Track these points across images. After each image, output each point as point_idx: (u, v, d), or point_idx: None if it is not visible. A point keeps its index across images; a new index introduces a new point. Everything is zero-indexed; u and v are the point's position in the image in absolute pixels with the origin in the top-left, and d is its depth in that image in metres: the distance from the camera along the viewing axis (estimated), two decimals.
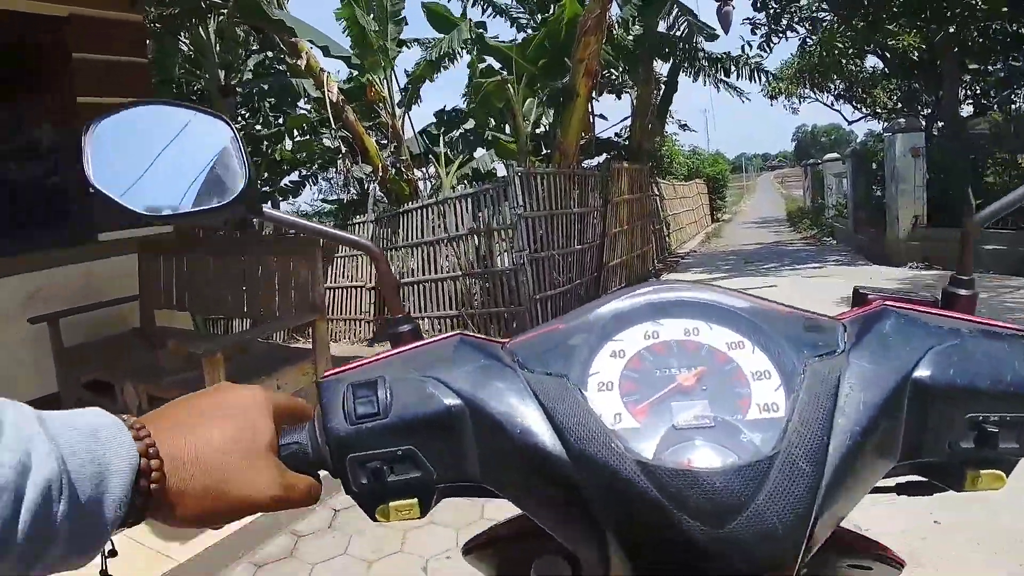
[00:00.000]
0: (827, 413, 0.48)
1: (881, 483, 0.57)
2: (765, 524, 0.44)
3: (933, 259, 10.47)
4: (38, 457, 0.41)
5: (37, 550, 0.41)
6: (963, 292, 0.59)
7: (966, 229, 0.57)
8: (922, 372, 0.50)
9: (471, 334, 0.60)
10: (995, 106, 13.80)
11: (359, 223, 8.69)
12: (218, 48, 11.11)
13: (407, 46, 9.65)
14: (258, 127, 12.08)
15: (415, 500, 0.54)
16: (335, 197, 15.03)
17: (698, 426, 0.48)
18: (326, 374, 0.57)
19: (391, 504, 0.54)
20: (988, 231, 10.22)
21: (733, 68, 12.93)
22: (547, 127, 10.45)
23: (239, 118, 12.44)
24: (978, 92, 13.90)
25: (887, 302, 0.56)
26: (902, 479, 0.56)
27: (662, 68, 12.05)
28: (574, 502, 0.49)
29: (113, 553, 0.50)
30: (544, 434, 0.50)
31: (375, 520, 0.55)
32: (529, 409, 0.51)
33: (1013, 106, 14.66)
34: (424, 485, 0.54)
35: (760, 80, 13.70)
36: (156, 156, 0.62)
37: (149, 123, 0.64)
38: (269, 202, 13.56)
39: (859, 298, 0.59)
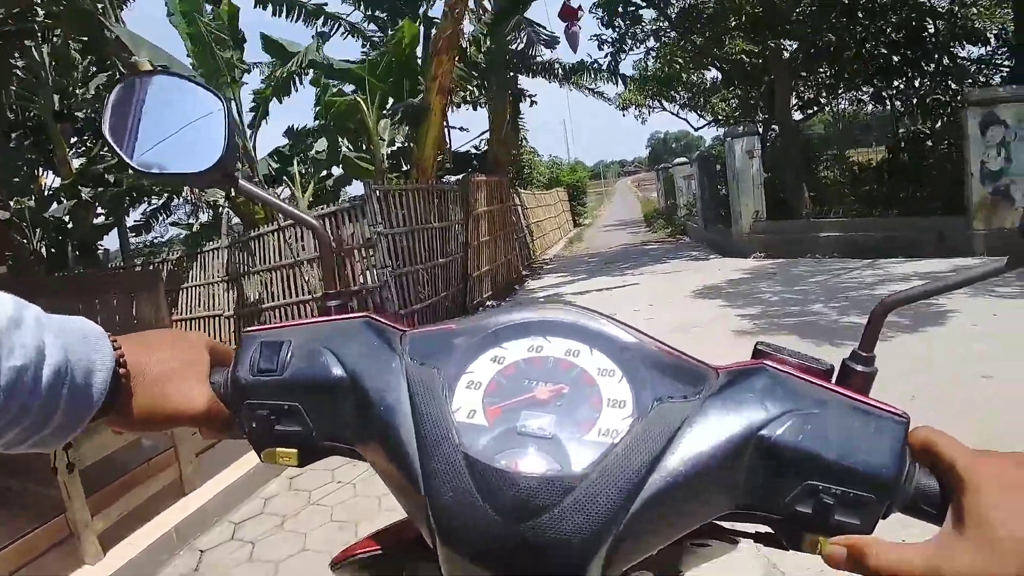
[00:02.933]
0: (655, 449, 0.51)
1: (740, 527, 0.62)
2: (559, 531, 0.48)
3: (772, 249, 11.28)
4: (50, 346, 0.52)
5: (42, 421, 0.52)
6: (860, 368, 0.59)
7: (876, 310, 0.58)
8: (769, 431, 0.51)
9: (377, 318, 0.66)
10: (824, 109, 15.06)
11: (212, 248, 8.34)
12: (53, 73, 10.37)
13: (248, 69, 9.38)
14: (103, 152, 11.31)
15: (295, 451, 0.61)
16: (186, 222, 14.28)
17: (537, 435, 0.52)
18: (248, 330, 0.65)
19: (277, 450, 0.62)
20: (823, 220, 11.17)
21: (588, 76, 13.54)
22: (403, 144, 10.41)
23: (80, 145, 11.63)
24: (808, 97, 15.05)
25: (772, 363, 0.57)
26: (761, 528, 0.57)
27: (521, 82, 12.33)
28: (413, 480, 0.53)
29: (69, 445, 0.66)
30: (404, 416, 0.55)
31: (262, 461, 0.63)
32: (398, 392, 0.57)
33: (839, 107, 16.08)
34: (305, 439, 0.61)
35: (618, 83, 14.35)
36: (157, 120, 0.71)
37: (160, 90, 0.73)
38: (116, 236, 12.74)
39: (756, 353, 0.60)
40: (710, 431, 0.52)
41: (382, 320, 0.66)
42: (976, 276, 0.56)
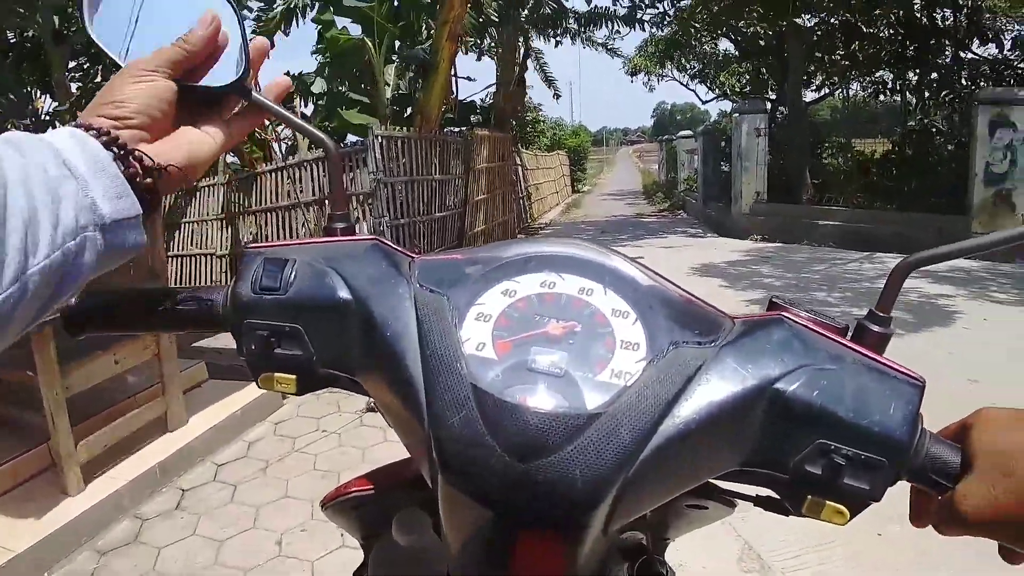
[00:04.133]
0: (670, 392, 0.49)
1: (741, 490, 0.60)
2: (565, 472, 0.46)
3: (769, 232, 11.23)
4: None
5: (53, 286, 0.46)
6: (876, 328, 0.57)
7: (896, 268, 0.55)
8: (785, 384, 0.50)
9: (386, 242, 0.62)
10: (834, 93, 14.91)
11: (208, 185, 8.18)
12: None
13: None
14: (98, 79, 11.00)
15: (294, 377, 0.58)
16: None
17: (548, 372, 0.50)
18: (251, 246, 0.62)
19: (275, 375, 0.58)
20: (823, 207, 11.12)
21: (603, 21, 13.28)
22: (407, 90, 10.19)
23: (78, 69, 11.32)
24: (821, 79, 14.87)
25: (788, 315, 0.56)
26: (762, 492, 0.56)
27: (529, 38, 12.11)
28: (417, 409, 0.51)
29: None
30: (410, 344, 0.53)
31: (259, 387, 0.60)
32: (406, 318, 0.54)
33: (850, 93, 15.93)
34: (305, 364, 0.58)
35: (635, 27, 14.09)
36: (156, 22, 0.62)
37: None
38: None
39: (772, 305, 0.58)
40: (726, 379, 0.50)
41: (391, 245, 0.63)
42: (1000, 240, 0.53)
